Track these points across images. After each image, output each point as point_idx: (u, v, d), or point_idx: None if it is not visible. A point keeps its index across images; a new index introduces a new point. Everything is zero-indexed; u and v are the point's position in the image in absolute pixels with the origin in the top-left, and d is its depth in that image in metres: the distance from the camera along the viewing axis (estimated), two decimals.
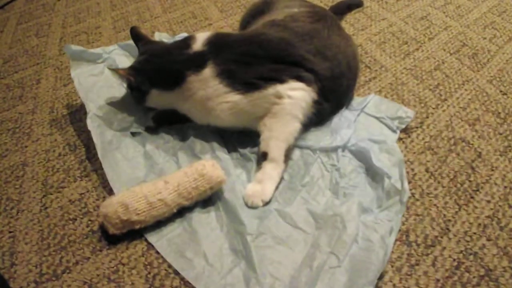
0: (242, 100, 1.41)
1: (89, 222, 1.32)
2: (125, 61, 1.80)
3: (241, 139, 1.52)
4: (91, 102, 1.58)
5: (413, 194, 1.31)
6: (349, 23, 2.15)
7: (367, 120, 1.56)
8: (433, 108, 1.62)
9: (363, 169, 1.39)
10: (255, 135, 1.45)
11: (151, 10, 2.54)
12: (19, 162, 1.57)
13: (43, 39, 2.40)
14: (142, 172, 1.43)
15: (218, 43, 1.48)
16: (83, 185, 1.44)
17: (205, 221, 1.28)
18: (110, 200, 1.25)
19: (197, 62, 1.45)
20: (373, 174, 1.35)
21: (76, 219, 1.33)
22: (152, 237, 1.24)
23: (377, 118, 1.56)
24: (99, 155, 1.42)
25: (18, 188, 1.47)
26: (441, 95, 1.68)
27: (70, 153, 1.57)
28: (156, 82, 1.49)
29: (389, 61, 1.87)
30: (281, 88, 1.40)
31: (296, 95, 1.40)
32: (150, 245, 1.23)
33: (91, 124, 1.50)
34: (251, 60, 1.43)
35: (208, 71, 1.42)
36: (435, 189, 1.33)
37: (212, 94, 1.43)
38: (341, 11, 2.10)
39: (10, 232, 1.32)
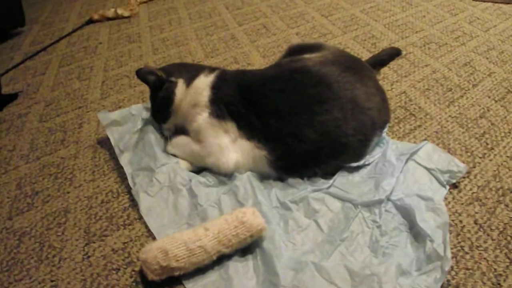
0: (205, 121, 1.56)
1: (133, 273, 1.30)
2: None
3: (281, 187, 1.51)
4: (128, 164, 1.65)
5: (462, 247, 1.27)
6: (393, 69, 2.14)
7: (416, 170, 1.52)
8: (480, 158, 1.58)
9: (406, 227, 1.34)
10: (296, 185, 1.49)
11: (193, 55, 2.57)
12: (61, 209, 1.57)
13: (85, 82, 2.43)
14: (186, 212, 1.46)
15: (228, 70, 1.72)
16: (127, 234, 1.43)
17: (241, 270, 1.26)
18: (150, 246, 1.25)
19: (210, 70, 1.66)
20: (416, 233, 1.31)
21: (119, 269, 1.32)
22: (188, 283, 1.23)
23: (427, 169, 1.52)
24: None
25: (60, 235, 1.47)
26: (487, 144, 1.64)
27: (113, 200, 1.57)
28: (186, 73, 1.65)
29: (433, 109, 1.84)
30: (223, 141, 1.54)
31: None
32: None
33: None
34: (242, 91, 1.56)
35: (209, 79, 1.60)
36: (485, 242, 1.29)
37: (198, 102, 1.58)
38: (381, 61, 2.12)
39: (52, 281, 1.31)
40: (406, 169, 1.52)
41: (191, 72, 1.65)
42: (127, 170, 1.61)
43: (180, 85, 1.62)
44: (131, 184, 1.55)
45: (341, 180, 1.51)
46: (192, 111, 1.59)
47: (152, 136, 1.68)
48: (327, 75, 1.53)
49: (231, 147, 1.53)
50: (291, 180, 1.51)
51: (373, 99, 1.58)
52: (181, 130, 1.68)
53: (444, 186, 1.46)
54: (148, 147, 1.64)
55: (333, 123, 1.46)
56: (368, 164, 1.55)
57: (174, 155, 1.64)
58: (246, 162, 1.53)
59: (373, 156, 1.57)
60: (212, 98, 1.56)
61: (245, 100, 1.53)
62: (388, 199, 1.41)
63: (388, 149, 1.57)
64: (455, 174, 1.48)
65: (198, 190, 1.50)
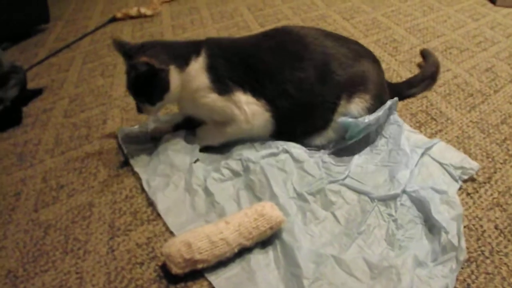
0: (216, 101, 1.61)
1: (156, 267, 1.32)
2: None
3: (297, 176, 1.54)
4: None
5: (482, 252, 1.28)
6: (413, 74, 2.13)
7: (430, 165, 1.56)
8: (501, 163, 1.59)
9: (421, 220, 1.37)
10: (312, 171, 1.54)
11: None
12: (86, 203, 1.60)
13: (108, 79, 2.46)
14: (203, 210, 1.48)
15: (214, 40, 1.72)
16: (150, 229, 1.45)
17: (263, 262, 1.29)
18: (173, 240, 1.27)
19: (194, 48, 1.63)
20: (431, 226, 1.34)
21: (143, 263, 1.34)
22: (210, 276, 1.26)
23: (440, 164, 1.56)
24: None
25: (85, 228, 1.49)
26: (508, 150, 1.65)
27: (137, 196, 1.59)
28: (175, 57, 1.59)
29: (454, 114, 1.85)
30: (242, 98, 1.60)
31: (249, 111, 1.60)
32: None
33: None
34: (234, 60, 1.62)
35: (201, 61, 1.61)
36: (505, 247, 1.29)
37: (198, 87, 1.60)
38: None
39: (77, 273, 1.34)
40: (421, 163, 1.55)
41: (177, 54, 1.62)
42: (142, 175, 1.63)
43: (173, 71, 1.59)
44: (146, 188, 1.58)
45: (355, 170, 1.55)
46: (196, 96, 1.62)
47: (169, 147, 1.70)
48: (305, 35, 1.66)
49: (248, 104, 1.62)
50: (306, 166, 1.55)
51: (350, 69, 1.62)
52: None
53: (456, 181, 1.50)
54: (164, 157, 1.66)
55: (307, 81, 1.60)
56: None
57: (207, 148, 1.72)
58: (260, 124, 1.64)
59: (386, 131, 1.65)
60: (213, 78, 1.60)
61: (248, 68, 1.62)
62: (404, 191, 1.43)
63: (402, 134, 1.61)
64: (467, 171, 1.51)
65: (213, 188, 1.53)
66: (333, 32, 1.79)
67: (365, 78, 1.63)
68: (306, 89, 1.59)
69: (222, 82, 1.59)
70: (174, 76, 1.58)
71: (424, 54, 2.22)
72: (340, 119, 1.58)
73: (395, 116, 1.66)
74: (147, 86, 1.55)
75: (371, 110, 1.60)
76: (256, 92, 1.60)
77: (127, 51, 1.61)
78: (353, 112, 1.59)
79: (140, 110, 1.64)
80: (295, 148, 1.62)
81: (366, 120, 1.55)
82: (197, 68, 1.60)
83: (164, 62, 1.55)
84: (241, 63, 1.62)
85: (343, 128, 1.60)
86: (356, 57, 1.65)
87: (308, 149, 1.65)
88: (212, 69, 1.60)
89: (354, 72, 1.62)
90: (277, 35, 1.71)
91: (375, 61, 1.73)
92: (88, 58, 2.79)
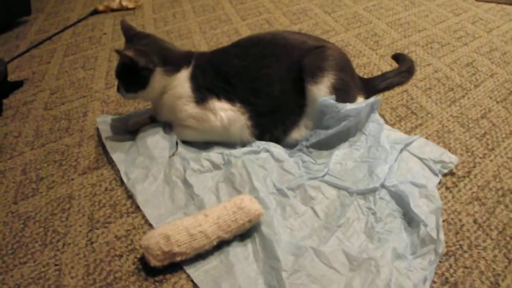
0: (193, 109, 1.66)
1: (135, 260, 1.32)
2: None
3: (277, 174, 1.54)
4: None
5: (461, 246, 1.29)
6: (394, 67, 2.15)
7: (410, 160, 1.57)
8: (480, 158, 1.60)
9: (400, 213, 1.38)
10: (292, 170, 1.53)
11: (196, 48, 2.60)
12: (66, 195, 1.59)
13: (89, 71, 2.45)
14: (182, 202, 1.49)
15: (201, 52, 1.80)
16: (130, 221, 1.45)
17: (242, 255, 1.29)
18: (152, 232, 1.27)
19: (187, 58, 1.69)
20: (410, 219, 1.35)
21: (122, 256, 1.33)
22: (189, 268, 1.26)
23: (420, 158, 1.57)
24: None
25: (64, 221, 1.48)
26: (488, 144, 1.66)
27: (116, 188, 1.59)
28: (166, 62, 1.64)
29: (435, 108, 1.86)
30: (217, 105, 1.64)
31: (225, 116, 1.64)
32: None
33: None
34: (208, 69, 1.68)
35: (189, 71, 1.67)
36: (484, 241, 1.30)
37: (181, 95, 1.65)
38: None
39: (56, 265, 1.33)
40: (400, 158, 1.57)
41: (170, 59, 1.66)
42: (121, 167, 1.63)
43: (158, 74, 1.63)
44: (124, 180, 1.57)
45: (335, 167, 1.55)
46: (178, 102, 1.67)
47: (148, 139, 1.70)
48: (271, 37, 1.72)
49: (224, 111, 1.65)
50: (286, 166, 1.56)
51: (310, 50, 1.67)
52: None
53: (436, 174, 1.51)
54: (143, 149, 1.67)
55: (275, 75, 1.65)
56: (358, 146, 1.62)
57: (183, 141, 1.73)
58: (237, 128, 1.66)
59: (366, 129, 1.65)
60: (194, 88, 1.65)
61: (218, 74, 1.67)
62: (382, 186, 1.45)
63: (381, 132, 1.61)
64: (447, 165, 1.53)
65: (192, 180, 1.53)
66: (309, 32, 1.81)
67: (325, 56, 1.65)
68: (274, 83, 1.63)
69: (200, 91, 1.65)
70: (158, 78, 1.63)
71: (397, 56, 2.24)
72: (320, 99, 1.58)
73: (376, 115, 1.67)
74: (127, 75, 1.62)
75: (339, 86, 1.61)
76: (230, 95, 1.64)
77: (129, 37, 1.72)
78: (322, 92, 1.60)
79: (118, 89, 1.73)
80: (276, 148, 1.63)
81: (348, 108, 1.55)
82: (184, 76, 1.66)
83: (152, 62, 1.60)
84: (214, 71, 1.67)
85: (320, 112, 1.60)
86: (317, 41, 1.74)
87: (289, 150, 1.66)
88: (193, 79, 1.66)
89: (314, 52, 1.65)
90: (243, 42, 1.77)
91: (339, 48, 1.80)
92: (69, 50, 2.77)
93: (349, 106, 1.56)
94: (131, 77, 1.61)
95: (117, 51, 1.55)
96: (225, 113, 1.63)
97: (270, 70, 1.64)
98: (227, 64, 1.68)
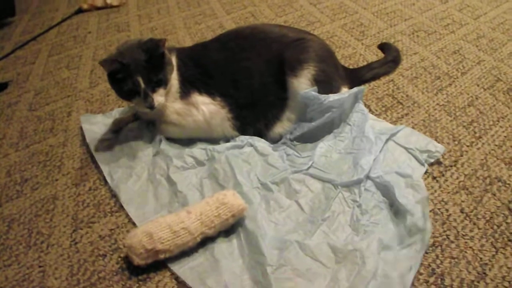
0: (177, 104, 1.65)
1: (119, 259, 1.31)
2: None
3: (261, 168, 1.54)
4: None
5: (447, 236, 1.28)
6: (380, 57, 2.14)
7: (395, 150, 1.56)
8: (468, 146, 1.59)
9: (386, 204, 1.37)
10: (276, 164, 1.53)
11: (181, 43, 2.58)
12: (50, 196, 1.58)
13: (74, 71, 2.44)
14: (166, 200, 1.48)
15: (182, 49, 1.77)
16: (113, 220, 1.44)
17: (227, 250, 1.29)
18: (135, 231, 1.26)
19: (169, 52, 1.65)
20: (396, 210, 1.34)
21: (106, 255, 1.33)
22: (174, 266, 1.25)
23: (405, 148, 1.56)
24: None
25: (48, 222, 1.47)
26: (475, 132, 1.65)
27: (100, 188, 1.57)
28: None
29: (421, 97, 1.84)
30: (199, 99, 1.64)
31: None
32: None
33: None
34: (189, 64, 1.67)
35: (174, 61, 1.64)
36: (471, 230, 1.29)
37: (171, 92, 1.63)
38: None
39: (40, 266, 1.32)
40: (386, 149, 1.56)
41: None
42: (104, 168, 1.62)
43: None
44: (108, 180, 1.57)
45: (319, 160, 1.54)
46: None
47: (131, 138, 1.70)
48: (251, 31, 1.73)
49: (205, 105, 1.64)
50: (271, 160, 1.55)
51: (290, 42, 1.66)
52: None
53: (422, 164, 1.50)
54: (127, 149, 1.67)
55: (254, 68, 1.65)
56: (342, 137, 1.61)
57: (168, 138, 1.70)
58: (217, 121, 1.66)
59: (350, 119, 1.63)
60: (180, 83, 1.65)
61: (198, 68, 1.67)
62: (368, 177, 1.44)
63: (366, 123, 1.60)
64: (433, 154, 1.52)
65: (176, 177, 1.53)
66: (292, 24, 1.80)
67: (305, 48, 1.64)
68: (254, 76, 1.63)
69: (184, 86, 1.64)
70: None
71: (382, 46, 2.23)
72: (302, 92, 1.57)
73: (360, 105, 1.65)
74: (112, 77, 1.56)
75: (320, 77, 1.59)
76: (210, 89, 1.64)
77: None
78: (303, 84, 1.58)
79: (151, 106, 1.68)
80: (260, 142, 1.62)
81: (331, 99, 1.54)
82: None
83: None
84: (194, 65, 1.66)
85: (303, 105, 1.59)
86: (298, 33, 1.73)
87: (273, 144, 1.65)
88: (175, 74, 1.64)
89: (294, 45, 1.64)
90: (222, 36, 1.77)
91: (320, 40, 1.78)
92: (54, 50, 2.76)
93: (332, 97, 1.55)
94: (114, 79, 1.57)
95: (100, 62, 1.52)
96: (206, 107, 1.62)
97: (249, 63, 1.64)
98: (206, 58, 1.68)
